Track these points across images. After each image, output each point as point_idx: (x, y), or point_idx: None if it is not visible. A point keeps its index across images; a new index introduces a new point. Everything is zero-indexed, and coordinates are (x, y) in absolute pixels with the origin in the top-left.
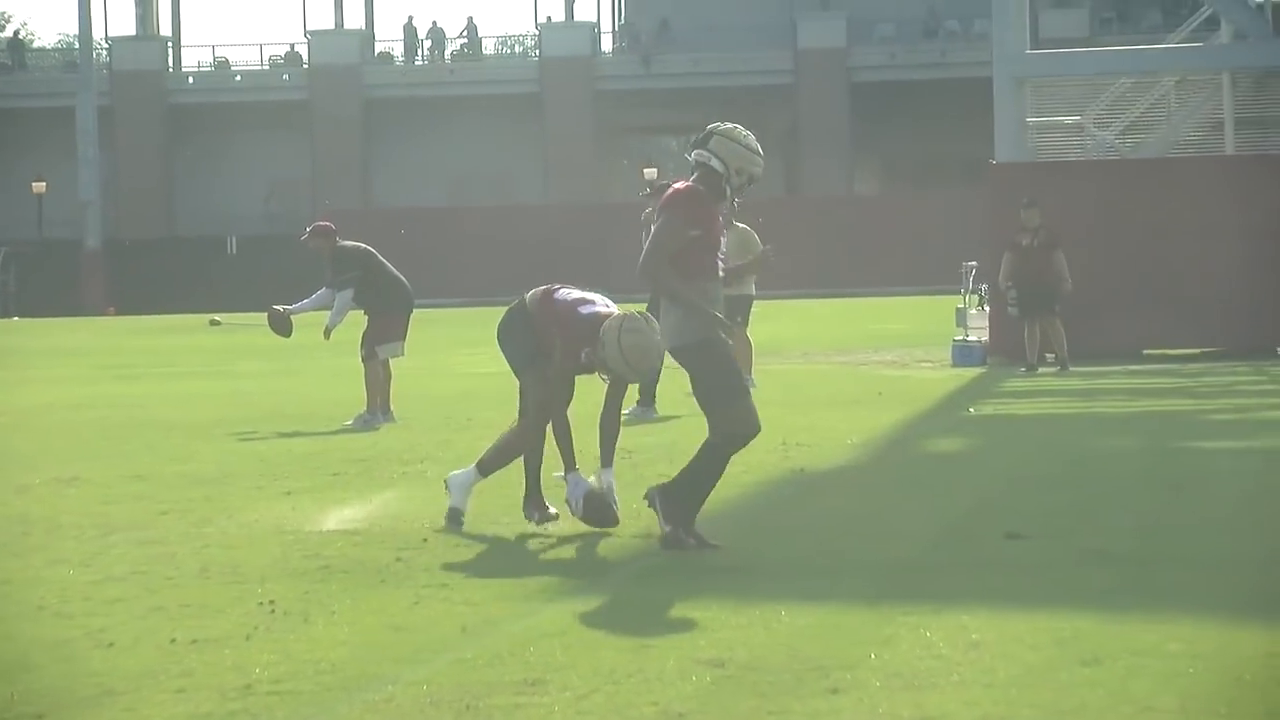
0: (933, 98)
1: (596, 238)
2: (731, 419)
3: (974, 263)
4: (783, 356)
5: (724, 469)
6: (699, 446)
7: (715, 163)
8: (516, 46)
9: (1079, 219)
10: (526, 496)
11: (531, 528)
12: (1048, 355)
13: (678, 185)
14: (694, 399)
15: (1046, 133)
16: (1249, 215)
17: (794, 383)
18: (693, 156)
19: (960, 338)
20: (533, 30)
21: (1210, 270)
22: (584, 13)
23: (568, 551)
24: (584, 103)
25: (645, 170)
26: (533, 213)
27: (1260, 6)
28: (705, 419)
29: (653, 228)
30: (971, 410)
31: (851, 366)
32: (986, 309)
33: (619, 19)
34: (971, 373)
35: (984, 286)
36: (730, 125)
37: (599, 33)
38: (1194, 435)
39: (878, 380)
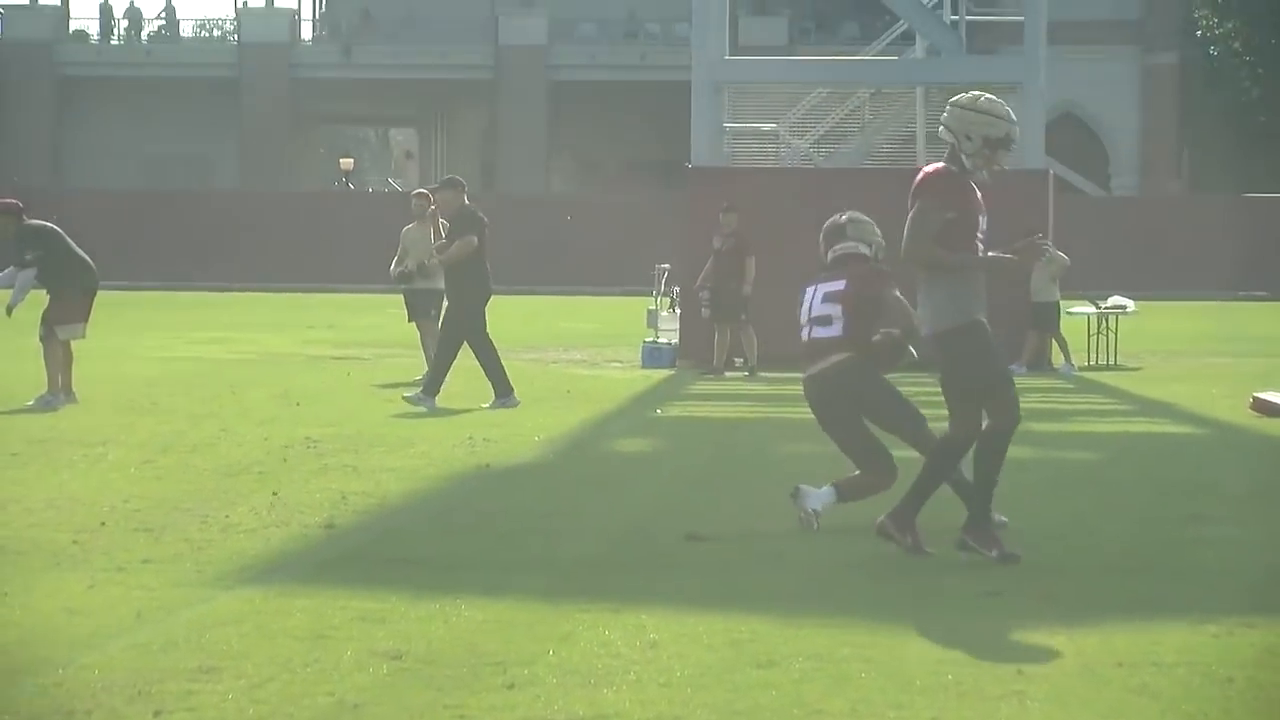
0: (632, 99)
1: (290, 226)
2: (999, 408)
3: (666, 265)
4: (471, 353)
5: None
6: (928, 457)
7: (943, 133)
8: (215, 30)
9: (772, 225)
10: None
11: (214, 516)
12: (737, 360)
13: (928, 167)
14: (942, 389)
15: (743, 139)
16: None
17: (482, 379)
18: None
19: (650, 339)
20: (232, 15)
21: (901, 281)
22: None
23: (248, 541)
24: (281, 90)
25: (342, 160)
26: (227, 199)
27: (954, 24)
28: (948, 412)
29: (909, 215)
30: (659, 412)
31: (541, 365)
32: (677, 311)
33: (320, 7)
34: (660, 374)
35: (676, 289)
36: (972, 94)
37: (299, 20)
38: None
39: (566, 379)
